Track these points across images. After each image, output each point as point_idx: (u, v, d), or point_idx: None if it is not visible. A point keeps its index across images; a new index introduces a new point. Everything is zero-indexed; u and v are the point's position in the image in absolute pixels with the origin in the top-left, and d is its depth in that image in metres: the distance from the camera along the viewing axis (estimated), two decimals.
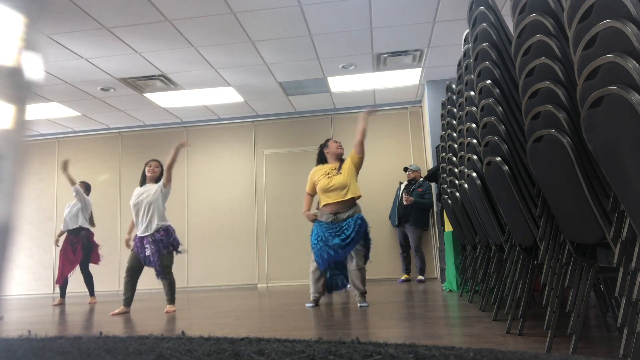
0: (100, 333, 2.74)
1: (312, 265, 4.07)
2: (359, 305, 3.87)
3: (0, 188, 0.53)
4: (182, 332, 2.20)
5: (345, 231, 3.92)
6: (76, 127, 7.69)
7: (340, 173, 4.04)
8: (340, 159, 4.22)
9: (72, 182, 5.46)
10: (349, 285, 4.18)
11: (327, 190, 4.02)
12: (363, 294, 3.95)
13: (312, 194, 4.22)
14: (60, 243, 5.75)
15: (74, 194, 5.58)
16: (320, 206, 4.11)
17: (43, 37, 4.57)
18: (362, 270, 3.97)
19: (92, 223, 5.79)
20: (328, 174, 4.07)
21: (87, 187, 5.87)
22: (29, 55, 0.57)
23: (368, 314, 3.34)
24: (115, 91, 6.21)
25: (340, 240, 3.89)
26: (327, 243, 3.93)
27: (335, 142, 4.28)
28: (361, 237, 3.96)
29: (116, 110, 6.98)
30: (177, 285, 7.23)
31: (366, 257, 4.10)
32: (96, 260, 5.73)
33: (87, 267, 5.60)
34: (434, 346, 1.36)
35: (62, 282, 5.53)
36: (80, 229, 5.62)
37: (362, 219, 4.02)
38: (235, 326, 3.02)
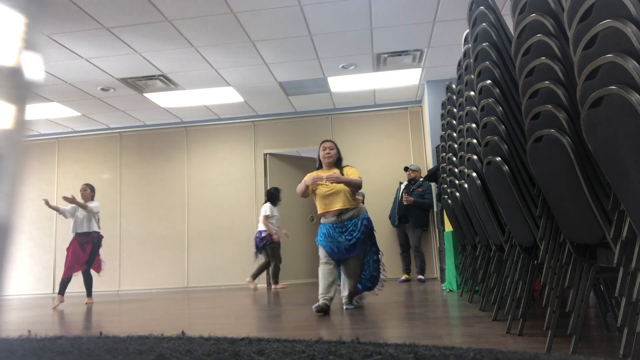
0: (100, 333, 2.74)
1: (322, 260, 3.74)
2: (345, 307, 3.72)
3: (0, 188, 0.53)
4: (182, 332, 2.20)
5: (352, 232, 3.68)
6: (76, 127, 7.69)
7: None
8: (338, 166, 3.87)
9: (83, 206, 5.50)
10: (378, 288, 3.92)
11: (326, 197, 3.73)
12: (351, 295, 3.74)
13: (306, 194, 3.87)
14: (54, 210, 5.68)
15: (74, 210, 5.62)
16: (319, 213, 3.82)
17: (43, 37, 4.56)
18: (356, 273, 3.74)
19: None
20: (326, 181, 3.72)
21: (92, 189, 5.83)
22: (29, 55, 0.57)
23: (368, 314, 3.34)
24: (115, 91, 6.21)
25: (346, 240, 3.66)
26: (336, 238, 3.68)
27: (325, 149, 3.89)
28: (368, 238, 3.78)
29: (116, 110, 6.98)
30: (177, 285, 7.25)
31: (376, 267, 3.84)
32: (98, 269, 5.70)
33: (89, 268, 5.60)
34: (434, 346, 1.36)
35: (67, 277, 5.50)
36: (93, 232, 5.62)
37: (368, 219, 3.80)
38: (235, 326, 3.02)
